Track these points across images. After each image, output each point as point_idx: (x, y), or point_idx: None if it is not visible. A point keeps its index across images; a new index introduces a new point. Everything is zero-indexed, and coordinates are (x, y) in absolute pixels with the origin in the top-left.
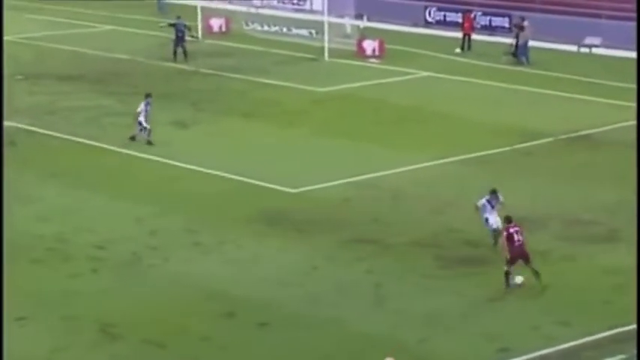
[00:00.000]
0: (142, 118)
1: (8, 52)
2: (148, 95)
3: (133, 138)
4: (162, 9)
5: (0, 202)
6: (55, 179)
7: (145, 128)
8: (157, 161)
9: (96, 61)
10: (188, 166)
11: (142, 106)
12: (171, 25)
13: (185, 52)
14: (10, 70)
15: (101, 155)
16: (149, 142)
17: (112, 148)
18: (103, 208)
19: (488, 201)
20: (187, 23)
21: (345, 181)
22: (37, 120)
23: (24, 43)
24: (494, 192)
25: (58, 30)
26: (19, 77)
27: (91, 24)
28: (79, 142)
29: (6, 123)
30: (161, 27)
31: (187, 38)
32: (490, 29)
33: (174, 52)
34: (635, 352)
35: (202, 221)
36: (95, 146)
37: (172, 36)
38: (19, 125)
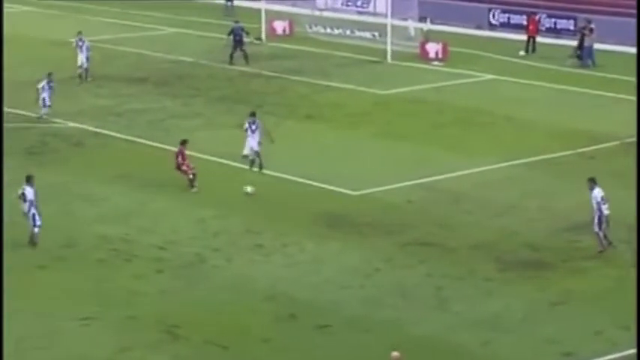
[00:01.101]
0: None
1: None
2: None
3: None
4: (228, 11)
5: (0, 202)
6: (120, 180)
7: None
8: (220, 163)
9: (160, 63)
10: (250, 168)
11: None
12: (229, 33)
13: (246, 55)
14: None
15: (164, 157)
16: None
17: (174, 149)
18: (165, 210)
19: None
20: (245, 26)
21: (407, 183)
22: (103, 122)
23: (92, 45)
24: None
25: (124, 33)
26: (88, 79)
27: (156, 26)
28: (143, 144)
29: (73, 124)
30: (225, 45)
31: (246, 40)
32: (555, 32)
33: (231, 56)
34: None
35: (264, 223)
36: (158, 147)
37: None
38: (86, 127)
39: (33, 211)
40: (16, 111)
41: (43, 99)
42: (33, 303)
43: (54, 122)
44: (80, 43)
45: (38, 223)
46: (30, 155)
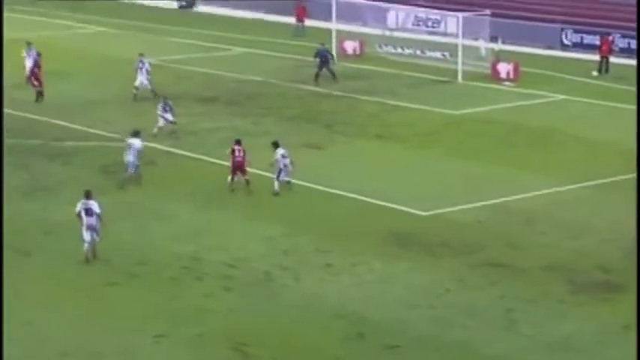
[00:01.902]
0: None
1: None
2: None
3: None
4: (298, 32)
5: (0, 202)
6: (190, 198)
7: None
8: (291, 182)
9: (230, 83)
10: (320, 187)
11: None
12: (315, 55)
13: (333, 75)
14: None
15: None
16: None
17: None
18: (235, 227)
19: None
20: (330, 48)
21: (478, 204)
22: (175, 141)
23: (163, 65)
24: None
25: (194, 53)
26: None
27: (226, 46)
28: (213, 163)
29: (146, 143)
30: (317, 76)
31: (332, 62)
32: (629, 52)
33: (316, 75)
34: None
35: (334, 242)
36: (228, 166)
37: (309, 59)
38: (158, 146)
39: (99, 225)
40: (90, 130)
41: (165, 119)
42: (106, 320)
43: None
44: (141, 65)
45: (100, 236)
46: (105, 174)
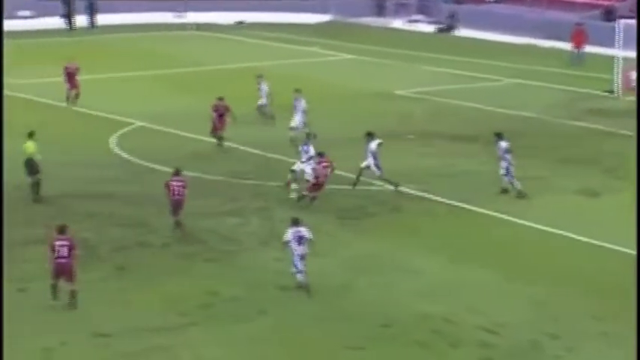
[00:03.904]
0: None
1: (400, 109)
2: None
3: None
4: (575, 60)
5: (0, 203)
6: (443, 251)
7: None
8: (558, 234)
9: (494, 118)
10: (593, 241)
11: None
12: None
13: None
14: (402, 128)
15: (492, 225)
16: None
17: (503, 217)
18: (494, 286)
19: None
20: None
21: None
22: (425, 185)
23: (417, 97)
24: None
25: (456, 83)
26: (410, 137)
27: (493, 77)
28: (469, 210)
29: (392, 187)
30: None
31: None
32: None
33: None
34: None
35: (612, 307)
36: (485, 214)
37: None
38: (407, 190)
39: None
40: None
41: (376, 164)
42: None
43: (372, 185)
44: (297, 103)
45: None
46: (344, 220)
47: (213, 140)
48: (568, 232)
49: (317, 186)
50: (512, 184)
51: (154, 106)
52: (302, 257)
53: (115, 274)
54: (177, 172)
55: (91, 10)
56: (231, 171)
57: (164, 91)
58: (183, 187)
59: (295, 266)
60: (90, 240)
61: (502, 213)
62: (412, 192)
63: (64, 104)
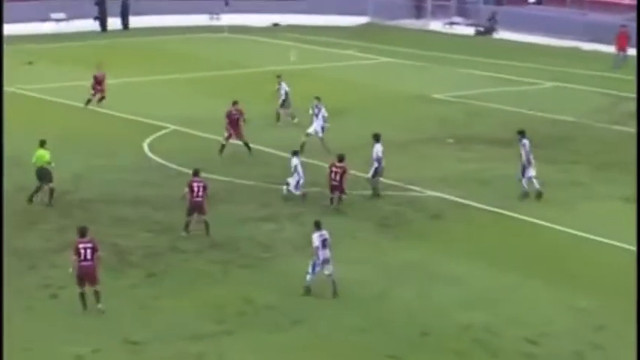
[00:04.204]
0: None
1: (439, 113)
2: None
3: None
4: (619, 63)
5: (0, 203)
6: (483, 259)
7: None
8: (600, 241)
9: (534, 122)
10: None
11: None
12: None
13: None
14: (440, 133)
15: (532, 232)
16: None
17: (543, 223)
18: (537, 295)
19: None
20: None
21: None
22: (466, 191)
23: (455, 101)
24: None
25: (495, 87)
26: (450, 141)
27: (533, 80)
28: (510, 217)
29: (432, 193)
30: None
31: None
32: None
33: None
34: None
35: None
36: (527, 221)
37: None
38: (447, 196)
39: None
40: (363, 175)
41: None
42: None
43: (411, 190)
44: (316, 111)
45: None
46: (382, 227)
47: (241, 144)
48: (611, 240)
49: (335, 187)
50: (520, 180)
51: (188, 109)
52: (326, 261)
53: (147, 281)
54: (196, 173)
55: (124, 12)
56: (263, 175)
57: (198, 94)
58: (204, 188)
59: (313, 269)
60: (121, 245)
61: (542, 219)
62: (453, 198)
63: (93, 107)
